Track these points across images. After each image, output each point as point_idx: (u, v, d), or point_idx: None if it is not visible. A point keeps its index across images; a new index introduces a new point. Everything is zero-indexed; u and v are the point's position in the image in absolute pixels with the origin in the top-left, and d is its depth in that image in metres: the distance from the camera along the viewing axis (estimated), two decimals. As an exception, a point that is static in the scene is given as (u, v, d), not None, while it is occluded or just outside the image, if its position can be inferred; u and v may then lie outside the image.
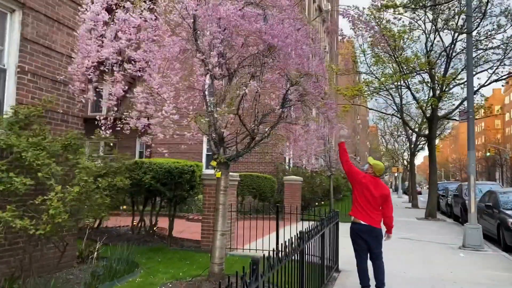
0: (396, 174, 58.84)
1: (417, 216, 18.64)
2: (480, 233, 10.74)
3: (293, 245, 4.10)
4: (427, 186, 22.46)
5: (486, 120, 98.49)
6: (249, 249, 8.86)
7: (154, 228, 10.10)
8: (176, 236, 10.19)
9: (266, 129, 6.41)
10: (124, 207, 12.37)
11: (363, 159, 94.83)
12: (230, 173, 9.34)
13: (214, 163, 6.54)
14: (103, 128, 5.50)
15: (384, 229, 6.09)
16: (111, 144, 8.19)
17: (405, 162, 52.83)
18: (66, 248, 5.96)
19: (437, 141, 35.47)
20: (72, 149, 5.52)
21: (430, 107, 17.52)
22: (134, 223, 10.52)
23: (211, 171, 18.94)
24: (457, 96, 30.99)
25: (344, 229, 7.48)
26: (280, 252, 3.64)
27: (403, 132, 43.48)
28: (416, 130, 25.03)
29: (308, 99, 6.41)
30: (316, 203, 20.44)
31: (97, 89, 8.10)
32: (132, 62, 5.33)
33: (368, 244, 5.89)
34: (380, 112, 19.25)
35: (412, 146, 28.33)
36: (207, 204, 9.15)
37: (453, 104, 20.31)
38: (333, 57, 40.45)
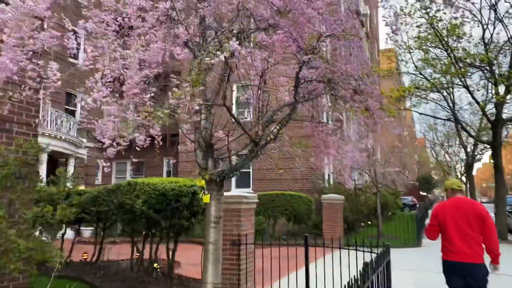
0: (449, 188, 54.40)
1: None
2: None
3: None
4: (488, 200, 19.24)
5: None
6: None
7: (155, 265, 8.10)
8: (181, 273, 8.19)
9: (273, 129, 4.29)
10: (114, 239, 10.52)
11: (412, 172, 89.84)
12: (247, 193, 7.25)
13: (201, 182, 4.50)
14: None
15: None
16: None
17: (459, 174, 48.62)
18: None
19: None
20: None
21: (494, 108, 14.72)
22: (135, 256, 8.62)
23: (240, 190, 16.82)
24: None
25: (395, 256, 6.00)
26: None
27: (457, 142, 39.80)
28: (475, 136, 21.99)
29: (337, 79, 4.23)
30: (362, 224, 17.84)
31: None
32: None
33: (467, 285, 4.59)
34: (431, 117, 16.66)
35: (470, 156, 25.06)
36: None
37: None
38: (374, 63, 37.75)
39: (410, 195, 53.37)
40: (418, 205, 40.99)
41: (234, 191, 17.91)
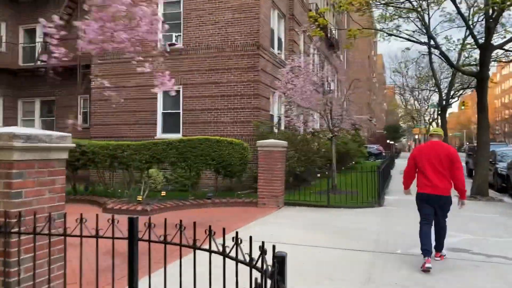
0: (417, 137, 52.54)
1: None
2: None
3: None
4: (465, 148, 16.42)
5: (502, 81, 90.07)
6: None
7: None
8: None
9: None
10: None
11: (379, 120, 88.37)
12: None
13: None
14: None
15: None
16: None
17: (430, 120, 46.46)
18: None
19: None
20: None
21: (484, 29, 11.39)
22: None
23: (167, 135, 13.20)
24: None
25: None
26: None
27: (430, 84, 37.02)
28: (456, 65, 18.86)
29: None
30: (318, 175, 14.62)
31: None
32: None
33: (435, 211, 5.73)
34: (403, 39, 13.32)
35: (444, 98, 22.09)
36: None
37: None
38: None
39: (377, 143, 51.32)
40: (384, 154, 38.77)
41: (160, 137, 14.34)
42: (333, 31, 26.77)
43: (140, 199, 10.28)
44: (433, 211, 5.68)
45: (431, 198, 5.61)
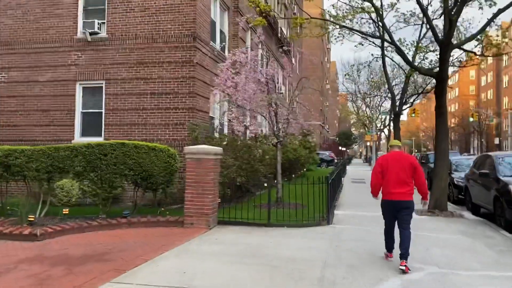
0: (368, 143, 52.42)
1: (416, 208, 10.75)
2: None
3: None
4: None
5: (459, 85, 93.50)
6: None
7: None
8: None
9: None
10: None
11: (332, 127, 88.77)
12: None
13: None
14: None
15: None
16: None
17: (382, 127, 46.27)
18: None
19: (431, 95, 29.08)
20: None
21: (443, 24, 10.17)
22: None
23: (87, 139, 11.11)
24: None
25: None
26: None
27: (382, 90, 36.65)
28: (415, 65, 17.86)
29: None
30: (265, 185, 12.73)
31: None
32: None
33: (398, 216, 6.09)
34: (356, 35, 12.05)
35: (397, 104, 21.12)
36: None
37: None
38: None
39: (330, 150, 50.69)
40: (336, 160, 37.88)
41: (79, 141, 12.10)
42: (284, 31, 25.40)
43: (32, 219, 8.11)
44: (395, 216, 6.08)
45: (395, 204, 6.03)
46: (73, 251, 6.65)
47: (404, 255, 5.73)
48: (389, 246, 6.26)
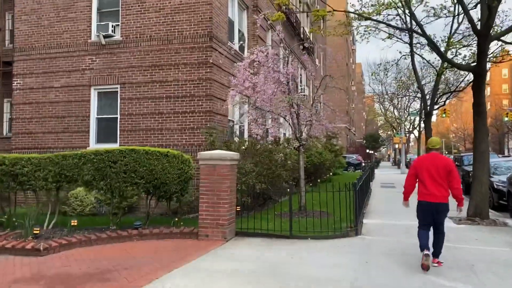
0: (397, 146, 50.74)
1: (452, 215, 9.31)
2: None
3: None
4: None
5: (491, 84, 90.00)
6: None
7: None
8: None
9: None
10: None
11: (359, 130, 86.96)
12: None
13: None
14: None
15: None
16: None
17: (411, 128, 44.68)
18: None
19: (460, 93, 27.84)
20: None
21: (481, 12, 9.16)
22: None
23: (103, 145, 10.63)
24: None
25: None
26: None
27: (410, 91, 35.29)
28: (439, 67, 16.71)
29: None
30: (288, 190, 11.83)
31: None
32: None
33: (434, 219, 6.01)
34: (385, 35, 11.17)
35: (429, 102, 19.92)
36: None
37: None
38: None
39: (357, 153, 49.29)
40: (363, 164, 36.63)
41: (94, 148, 11.65)
42: (307, 32, 24.61)
43: (37, 231, 7.62)
44: (431, 218, 5.99)
45: (430, 206, 5.97)
46: (74, 269, 6.07)
47: (436, 254, 5.93)
48: (424, 244, 5.89)
